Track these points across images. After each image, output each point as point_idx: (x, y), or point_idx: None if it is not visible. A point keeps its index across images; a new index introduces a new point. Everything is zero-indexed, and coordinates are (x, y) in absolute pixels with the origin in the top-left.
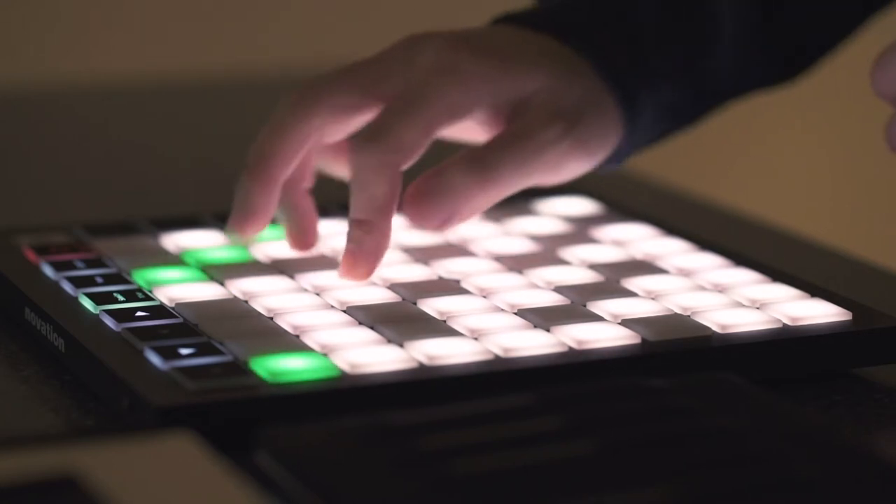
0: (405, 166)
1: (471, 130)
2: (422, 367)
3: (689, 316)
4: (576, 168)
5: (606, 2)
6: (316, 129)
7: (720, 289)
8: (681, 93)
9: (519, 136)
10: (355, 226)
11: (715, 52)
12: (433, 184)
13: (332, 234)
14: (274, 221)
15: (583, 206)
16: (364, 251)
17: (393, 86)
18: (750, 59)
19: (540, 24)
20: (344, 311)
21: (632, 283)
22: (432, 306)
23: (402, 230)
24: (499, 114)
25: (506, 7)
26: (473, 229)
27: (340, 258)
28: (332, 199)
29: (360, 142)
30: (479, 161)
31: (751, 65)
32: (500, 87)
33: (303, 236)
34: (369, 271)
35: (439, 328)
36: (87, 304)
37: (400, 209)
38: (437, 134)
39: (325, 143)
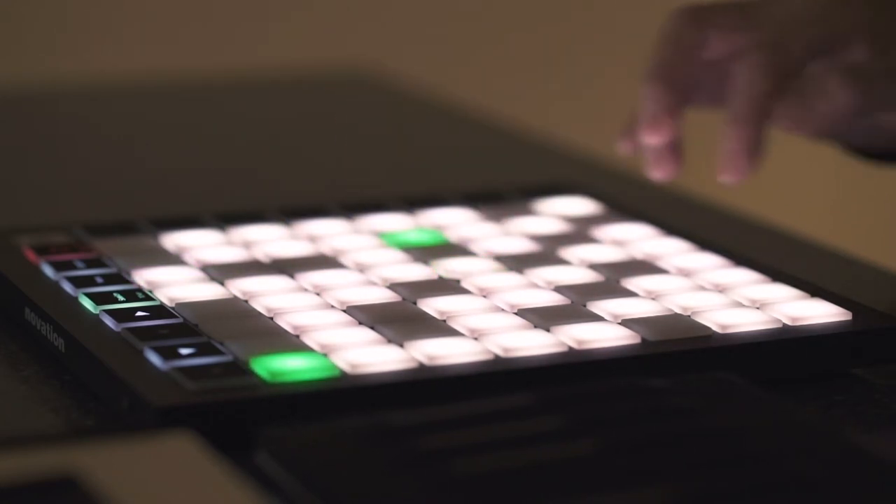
0: (790, 76)
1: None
2: (422, 367)
3: (689, 316)
4: (849, 108)
5: None
6: (704, 41)
7: (720, 289)
8: None
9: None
10: (734, 125)
11: None
12: (802, 83)
13: (332, 234)
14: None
15: (583, 206)
16: (744, 147)
17: (775, 13)
18: None
19: None
20: (344, 311)
21: (632, 283)
22: (432, 306)
23: (401, 230)
24: (869, 42)
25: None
26: (474, 229)
27: (720, 160)
28: (332, 198)
29: (750, 50)
30: (853, 69)
31: None
32: (876, 15)
33: (667, 157)
34: (749, 169)
35: (439, 328)
36: (87, 304)
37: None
38: (818, 55)
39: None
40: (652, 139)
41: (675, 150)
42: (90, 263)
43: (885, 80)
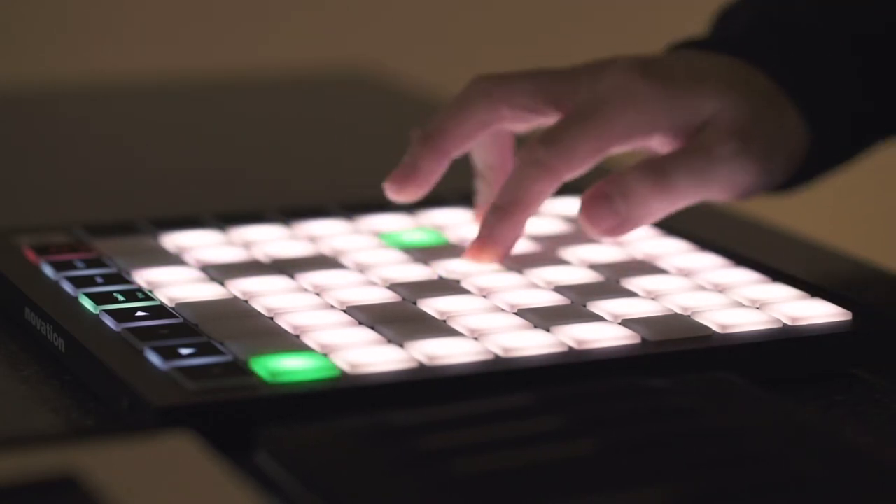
0: (566, 176)
1: (649, 146)
2: (422, 367)
3: (689, 316)
4: (748, 184)
5: (793, 34)
6: (496, 120)
7: (720, 289)
8: (871, 101)
9: (696, 149)
10: (493, 210)
11: None
12: (610, 187)
13: (332, 234)
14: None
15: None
16: (494, 237)
17: (576, 99)
18: None
19: (721, 48)
20: (344, 311)
21: (632, 283)
22: (432, 306)
23: (401, 230)
24: (677, 134)
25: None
26: (474, 229)
27: (469, 242)
28: (332, 198)
29: (534, 142)
30: (658, 169)
31: None
32: (678, 111)
33: (415, 179)
34: (494, 258)
35: (439, 328)
36: (87, 304)
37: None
38: (608, 152)
39: (495, 134)
40: (394, 195)
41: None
42: (90, 263)
43: (687, 172)
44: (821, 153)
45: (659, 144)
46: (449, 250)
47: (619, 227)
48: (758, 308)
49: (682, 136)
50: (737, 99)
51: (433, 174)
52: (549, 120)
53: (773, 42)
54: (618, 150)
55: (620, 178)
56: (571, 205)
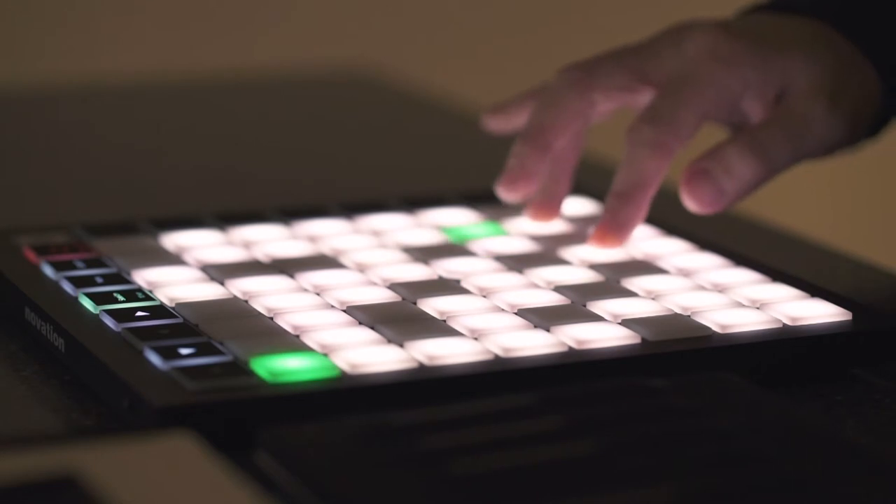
0: (678, 149)
1: (737, 116)
2: (422, 367)
3: (689, 316)
4: (840, 138)
5: None
6: (590, 105)
7: (720, 289)
8: None
9: (789, 116)
10: (614, 197)
11: None
12: (712, 164)
13: (332, 234)
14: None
15: (583, 206)
16: (617, 222)
17: (665, 71)
18: None
19: (797, 10)
20: (344, 311)
21: (632, 283)
22: (432, 306)
23: (401, 230)
24: (764, 97)
25: None
26: (473, 229)
27: (593, 228)
28: (332, 198)
29: (638, 123)
30: (756, 142)
31: None
32: (766, 70)
33: (548, 206)
34: (619, 242)
35: (439, 328)
36: (87, 304)
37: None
38: (708, 117)
39: (592, 120)
40: (507, 196)
41: (552, 201)
42: (90, 263)
43: (784, 142)
44: (891, 105)
45: (749, 107)
46: (449, 250)
47: (721, 202)
48: (758, 308)
49: (771, 98)
50: (822, 60)
51: (540, 171)
52: (640, 97)
53: (845, 1)
54: (715, 115)
55: (721, 153)
56: (571, 205)
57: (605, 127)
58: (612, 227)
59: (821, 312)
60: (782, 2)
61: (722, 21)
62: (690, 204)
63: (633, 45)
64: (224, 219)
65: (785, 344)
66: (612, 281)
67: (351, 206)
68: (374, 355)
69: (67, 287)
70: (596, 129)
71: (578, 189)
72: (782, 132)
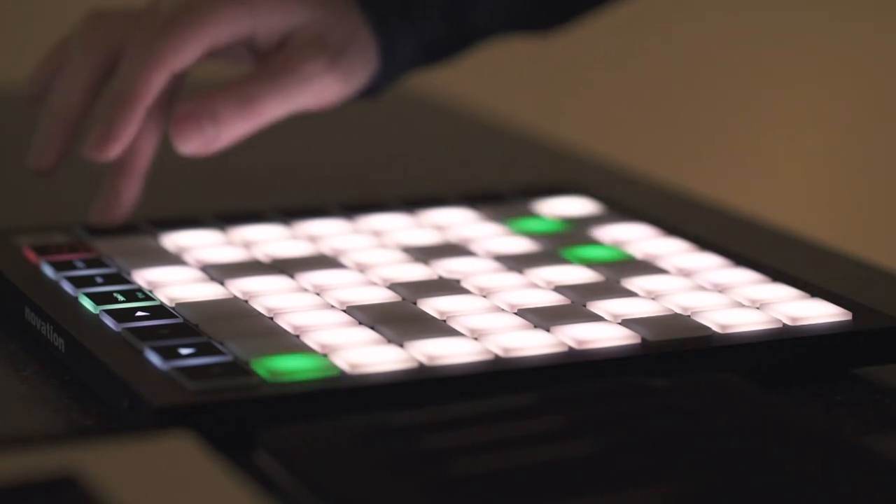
0: (177, 66)
1: (238, 62)
2: (422, 367)
3: (689, 316)
4: (335, 96)
5: None
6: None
7: (720, 289)
8: (441, 33)
9: (283, 67)
10: (109, 101)
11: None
12: (197, 107)
13: (332, 234)
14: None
15: (583, 206)
16: (112, 128)
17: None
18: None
19: None
20: (344, 311)
21: (632, 283)
22: (432, 306)
23: (401, 230)
24: (265, 45)
25: None
26: (473, 229)
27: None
28: (331, 198)
29: (143, 30)
30: (243, 91)
31: (507, 6)
32: (268, 16)
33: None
34: (113, 152)
35: (439, 328)
36: (87, 304)
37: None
38: (215, 44)
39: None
40: (93, 156)
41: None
42: (90, 263)
43: (274, 94)
44: (389, 67)
45: (258, 47)
46: (449, 250)
47: (208, 146)
48: (758, 308)
49: (274, 42)
50: (324, 15)
51: (63, 144)
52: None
53: None
54: (223, 44)
55: (208, 99)
56: (571, 205)
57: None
58: (106, 132)
59: (821, 312)
60: None
61: None
62: (179, 146)
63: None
64: (224, 219)
65: (785, 344)
66: (612, 281)
67: (351, 206)
68: (374, 355)
69: (67, 287)
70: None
71: (578, 189)
72: (273, 83)
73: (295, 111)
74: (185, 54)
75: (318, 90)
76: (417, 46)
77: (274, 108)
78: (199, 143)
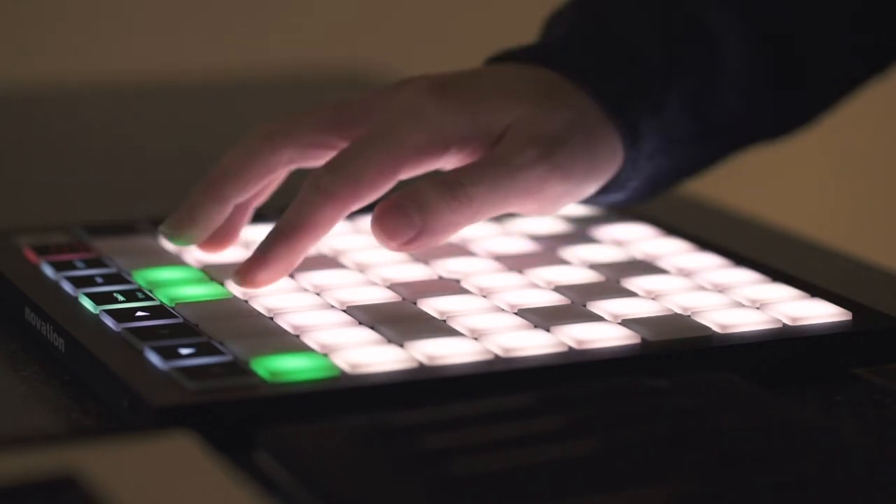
0: (354, 204)
1: (446, 167)
2: (422, 367)
3: (689, 316)
4: (559, 195)
5: (605, 33)
6: (284, 162)
7: (720, 289)
8: (686, 124)
9: (494, 159)
10: (274, 232)
11: (717, 85)
12: (405, 199)
13: (333, 234)
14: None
15: (583, 206)
16: (268, 260)
17: (367, 125)
18: (760, 101)
19: (535, 57)
20: (344, 311)
21: (632, 283)
22: (432, 306)
23: None
24: (478, 147)
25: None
26: (473, 229)
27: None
28: None
29: (320, 168)
30: (452, 181)
31: (761, 107)
32: (469, 126)
33: (217, 243)
34: (264, 282)
35: (439, 328)
36: (87, 304)
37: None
38: (398, 176)
39: (283, 175)
40: (172, 238)
41: (223, 239)
42: (90, 263)
43: (484, 182)
44: (635, 168)
45: (458, 162)
46: (449, 250)
47: (416, 241)
48: (758, 308)
49: (480, 151)
50: (538, 108)
51: (211, 220)
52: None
53: (589, 52)
54: (409, 173)
55: (415, 190)
56: (572, 205)
57: None
58: (261, 262)
59: (821, 312)
60: (532, 48)
61: (444, 76)
62: (383, 241)
63: (349, 98)
64: None
65: (785, 344)
66: (612, 281)
67: None
68: (374, 355)
69: (67, 287)
70: None
71: None
72: (482, 173)
73: (513, 208)
74: (367, 193)
75: (533, 184)
76: (662, 139)
77: (484, 199)
78: (404, 236)
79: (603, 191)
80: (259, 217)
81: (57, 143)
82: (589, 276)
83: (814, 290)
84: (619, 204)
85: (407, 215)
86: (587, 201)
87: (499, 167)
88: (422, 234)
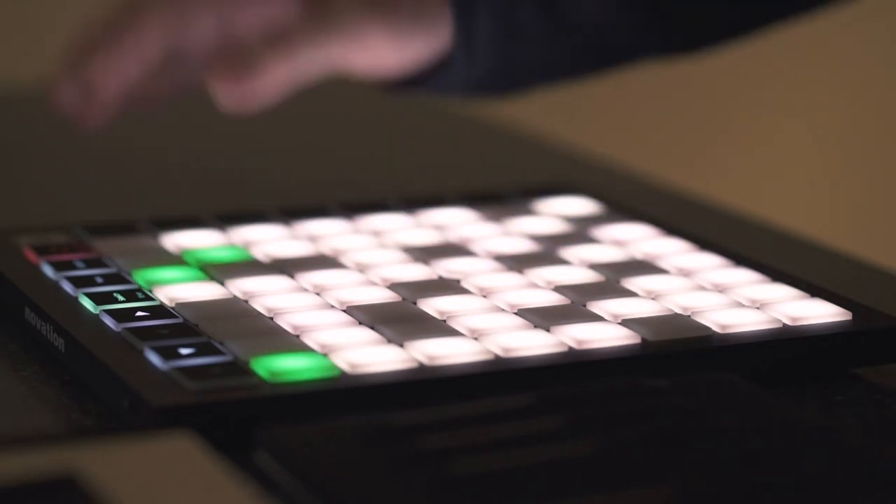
0: (185, 24)
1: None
2: (422, 367)
3: (689, 316)
4: (384, 51)
5: None
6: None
7: (720, 289)
8: (535, 16)
9: (319, 11)
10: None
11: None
12: (236, 60)
13: (332, 234)
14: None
15: (583, 206)
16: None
17: None
18: (631, 16)
19: None
20: (344, 311)
21: (632, 283)
22: (432, 306)
23: (401, 230)
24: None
25: None
26: (473, 229)
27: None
28: (331, 198)
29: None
30: (281, 37)
31: (638, 18)
32: None
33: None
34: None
35: (439, 328)
36: (87, 304)
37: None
38: (231, 13)
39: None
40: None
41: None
42: (90, 263)
43: (310, 36)
44: (472, 46)
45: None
46: (449, 250)
47: (248, 99)
48: (758, 308)
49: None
50: None
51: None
52: None
53: None
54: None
55: (245, 50)
56: (571, 205)
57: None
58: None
59: (821, 312)
60: None
61: None
62: (219, 100)
63: None
64: (224, 219)
65: (785, 344)
66: (612, 281)
67: (351, 206)
68: (374, 355)
69: (67, 287)
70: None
71: (578, 189)
72: (308, 26)
73: (341, 62)
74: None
75: (358, 34)
76: (504, 29)
77: (311, 51)
78: (238, 95)
79: (446, 69)
80: (259, 217)
81: (57, 143)
82: (589, 276)
83: (814, 290)
84: (473, 92)
85: (239, 77)
86: (433, 85)
87: (324, 17)
88: (254, 92)
